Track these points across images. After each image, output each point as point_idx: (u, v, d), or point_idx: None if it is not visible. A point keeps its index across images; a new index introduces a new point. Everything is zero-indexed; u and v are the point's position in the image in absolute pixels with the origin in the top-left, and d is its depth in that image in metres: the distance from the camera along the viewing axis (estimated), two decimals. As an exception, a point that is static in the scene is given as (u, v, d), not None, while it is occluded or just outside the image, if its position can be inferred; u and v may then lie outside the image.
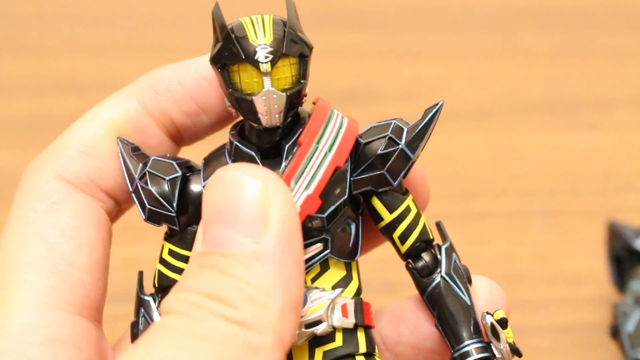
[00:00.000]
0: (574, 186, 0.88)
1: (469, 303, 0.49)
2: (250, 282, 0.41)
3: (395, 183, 0.48)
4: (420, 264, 0.49)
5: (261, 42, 0.46)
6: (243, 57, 0.46)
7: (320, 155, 0.47)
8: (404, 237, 0.49)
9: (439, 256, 0.49)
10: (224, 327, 0.40)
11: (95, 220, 0.49)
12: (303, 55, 0.47)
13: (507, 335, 0.48)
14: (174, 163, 0.50)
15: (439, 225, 0.51)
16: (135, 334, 0.49)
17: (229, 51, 0.46)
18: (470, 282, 0.50)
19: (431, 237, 0.50)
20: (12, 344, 0.45)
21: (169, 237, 0.50)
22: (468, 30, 1.10)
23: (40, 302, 0.47)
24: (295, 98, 0.47)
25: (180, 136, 0.53)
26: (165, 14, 1.13)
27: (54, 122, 0.98)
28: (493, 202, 0.85)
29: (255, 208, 0.42)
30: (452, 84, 1.02)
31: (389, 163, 0.48)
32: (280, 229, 0.42)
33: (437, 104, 0.49)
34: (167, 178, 0.49)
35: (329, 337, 0.48)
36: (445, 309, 0.49)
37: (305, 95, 0.48)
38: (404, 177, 0.49)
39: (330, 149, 0.47)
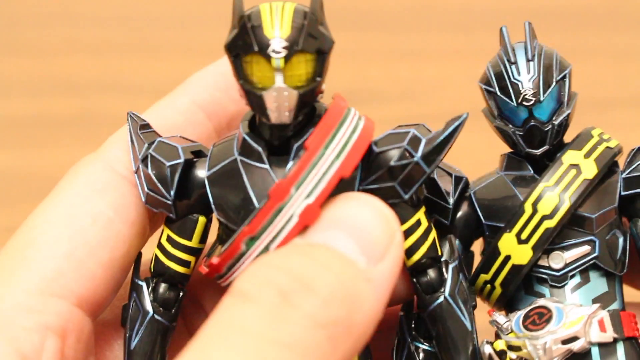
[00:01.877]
0: (574, 186, 0.88)
1: (469, 328, 0.47)
2: (349, 290, 0.40)
3: (407, 196, 0.46)
4: (424, 280, 0.48)
5: (277, 34, 0.43)
6: (256, 49, 0.43)
7: (327, 163, 0.43)
8: (410, 252, 0.47)
9: (445, 275, 0.48)
10: (308, 334, 0.38)
11: (132, 217, 0.48)
12: (321, 52, 0.44)
13: None
14: (179, 147, 0.47)
15: (451, 242, 0.49)
16: (124, 318, 0.48)
17: (243, 40, 0.43)
18: (475, 306, 0.49)
19: (439, 254, 0.48)
20: (2, 323, 0.44)
21: (169, 222, 0.48)
22: (468, 30, 1.10)
23: (43, 286, 0.46)
24: (308, 96, 0.44)
25: (231, 130, 0.52)
26: (166, 14, 1.13)
27: (54, 122, 0.98)
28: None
29: (384, 237, 0.42)
30: (452, 84, 1.01)
31: (402, 176, 0.45)
32: (394, 262, 0.42)
33: (461, 117, 0.46)
34: (168, 164, 0.47)
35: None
36: (445, 331, 0.47)
37: (322, 92, 0.45)
38: (418, 189, 0.46)
39: (338, 157, 0.43)
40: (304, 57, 0.43)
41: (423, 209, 0.48)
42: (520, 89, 0.50)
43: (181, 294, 0.48)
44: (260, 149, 0.45)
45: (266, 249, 0.43)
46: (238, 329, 0.38)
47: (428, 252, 0.47)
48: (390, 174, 0.45)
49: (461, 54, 1.07)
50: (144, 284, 0.48)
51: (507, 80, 0.51)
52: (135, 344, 0.47)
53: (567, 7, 1.12)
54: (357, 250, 0.41)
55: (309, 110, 0.45)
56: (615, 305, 0.50)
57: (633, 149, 0.53)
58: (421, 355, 0.49)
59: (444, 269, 0.48)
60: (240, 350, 0.37)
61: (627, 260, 0.51)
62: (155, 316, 0.48)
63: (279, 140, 0.45)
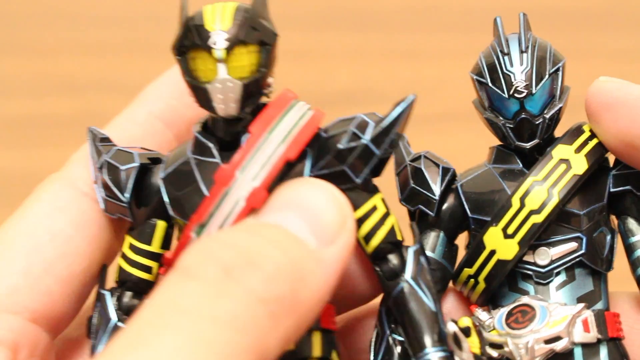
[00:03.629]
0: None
1: (433, 309, 0.46)
2: (296, 268, 0.39)
3: (359, 180, 0.46)
4: (386, 266, 0.47)
5: (217, 27, 0.44)
6: (198, 42, 0.44)
7: (272, 146, 0.44)
8: (368, 238, 0.47)
9: (406, 259, 0.47)
10: (249, 310, 0.38)
11: (93, 232, 0.49)
12: (264, 43, 0.45)
13: (471, 344, 0.46)
14: (135, 154, 0.48)
15: (412, 228, 0.49)
16: (89, 328, 0.48)
17: (186, 38, 0.45)
18: (441, 291, 0.48)
19: (400, 239, 0.48)
20: None
21: (130, 230, 0.49)
22: (468, 30, 1.10)
23: None
24: (252, 87, 0.45)
25: (191, 135, 0.52)
26: (166, 14, 1.13)
27: (54, 122, 0.98)
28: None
29: (335, 221, 0.42)
30: (452, 84, 1.01)
31: (351, 159, 0.45)
32: (345, 246, 0.42)
33: (408, 98, 0.46)
34: (122, 167, 0.48)
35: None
36: (409, 314, 0.46)
37: (269, 85, 0.46)
38: (376, 174, 0.46)
39: (283, 140, 0.44)
40: (246, 48, 0.44)
41: (380, 195, 0.47)
42: (513, 80, 0.49)
43: None
44: (211, 145, 0.46)
45: None
46: (175, 306, 0.37)
47: (387, 237, 0.47)
48: (339, 158, 0.45)
49: (461, 54, 1.07)
50: (107, 294, 0.48)
51: (500, 72, 0.50)
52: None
53: (567, 7, 1.12)
54: (308, 231, 0.41)
55: (256, 105, 0.46)
56: (599, 305, 0.49)
57: None
58: (399, 348, 0.48)
59: (405, 254, 0.47)
60: (175, 327, 0.36)
61: (613, 258, 0.50)
62: (119, 324, 0.47)
63: (230, 136, 0.46)
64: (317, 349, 0.46)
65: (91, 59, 1.06)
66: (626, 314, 0.51)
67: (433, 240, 0.52)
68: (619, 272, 0.51)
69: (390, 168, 0.49)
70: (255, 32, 0.44)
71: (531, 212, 0.49)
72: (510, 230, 0.49)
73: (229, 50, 0.44)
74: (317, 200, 0.42)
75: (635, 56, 1.05)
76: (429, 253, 0.51)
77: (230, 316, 0.37)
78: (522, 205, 0.49)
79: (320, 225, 0.41)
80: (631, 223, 0.50)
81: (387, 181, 0.50)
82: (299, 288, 0.39)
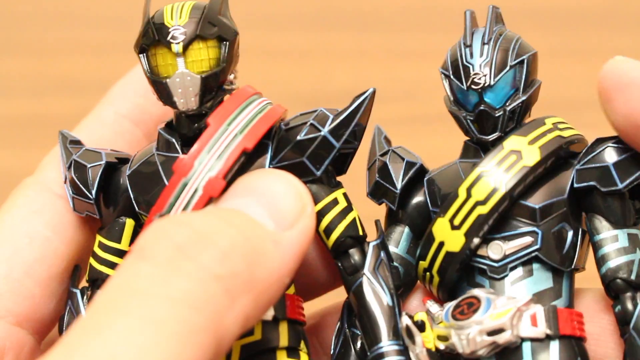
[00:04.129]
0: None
1: (390, 304, 0.46)
2: (252, 246, 0.39)
3: (319, 172, 0.47)
4: (347, 262, 0.48)
5: (175, 23, 0.45)
6: (157, 38, 0.46)
7: (229, 137, 0.45)
8: (328, 231, 0.48)
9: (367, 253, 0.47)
10: (203, 287, 0.37)
11: (70, 234, 0.50)
12: (223, 39, 0.46)
13: (425, 339, 0.46)
14: (103, 153, 0.49)
15: (376, 224, 0.49)
16: (61, 327, 0.48)
17: (147, 35, 0.46)
18: (399, 286, 0.47)
19: (361, 234, 0.48)
20: None
21: (99, 229, 0.49)
22: (468, 30, 1.10)
23: None
24: (212, 81, 0.46)
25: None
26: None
27: (54, 122, 0.98)
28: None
29: (294, 207, 0.42)
30: (452, 84, 1.01)
31: (310, 150, 0.46)
32: (304, 231, 0.41)
33: (367, 91, 0.47)
34: (89, 165, 0.48)
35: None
36: (365, 307, 0.46)
37: (231, 83, 0.47)
38: (341, 170, 0.47)
39: (241, 132, 0.45)
40: (205, 43, 0.46)
41: (342, 190, 0.48)
42: (471, 72, 0.49)
43: None
44: (174, 140, 0.47)
45: None
46: (129, 290, 0.37)
47: (346, 230, 0.47)
48: (298, 149, 0.46)
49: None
50: (77, 291, 0.48)
51: (460, 63, 0.50)
52: None
53: (566, 7, 1.12)
54: (266, 215, 0.41)
55: (217, 101, 0.46)
56: (559, 303, 0.48)
57: (592, 141, 0.50)
58: (359, 343, 0.48)
59: (366, 249, 0.47)
60: (126, 311, 0.36)
61: (576, 256, 0.49)
62: None
63: (193, 132, 0.47)
64: (284, 339, 0.47)
65: (91, 59, 1.06)
66: (596, 313, 0.50)
67: (397, 236, 0.51)
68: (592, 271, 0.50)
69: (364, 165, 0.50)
70: (213, 28, 0.45)
71: (477, 203, 0.48)
72: (456, 222, 0.48)
73: (186, 44, 0.45)
74: (275, 188, 0.42)
75: (635, 56, 1.05)
76: (392, 248, 0.51)
77: (184, 294, 0.36)
78: (469, 196, 0.48)
79: (278, 211, 0.41)
80: (597, 221, 0.49)
81: (362, 179, 0.50)
82: (255, 266, 0.39)
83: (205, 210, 0.42)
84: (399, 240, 0.51)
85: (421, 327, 0.46)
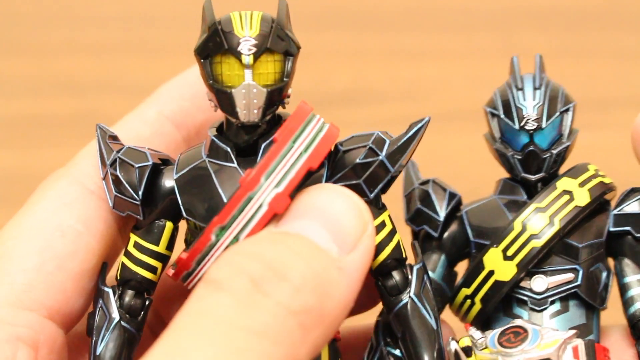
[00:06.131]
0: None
1: (434, 327, 0.47)
2: (321, 278, 0.40)
3: (372, 195, 0.47)
4: (390, 282, 0.48)
5: (246, 34, 0.45)
6: (226, 47, 0.45)
7: (295, 155, 0.44)
8: (376, 252, 0.47)
9: (409, 276, 0.48)
10: (280, 322, 0.39)
11: (101, 229, 0.49)
12: (289, 53, 0.46)
13: None
14: (147, 153, 0.49)
15: (413, 246, 0.50)
16: (90, 326, 0.48)
17: (213, 42, 0.45)
18: (441, 309, 0.48)
19: (404, 256, 0.48)
20: None
21: (135, 229, 0.49)
22: (468, 30, 1.10)
23: (14, 298, 0.46)
24: (276, 95, 0.46)
25: (200, 138, 0.52)
26: (166, 14, 1.13)
27: (54, 122, 0.98)
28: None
29: (356, 227, 0.42)
30: (452, 84, 1.02)
31: (367, 174, 0.47)
32: (366, 252, 0.42)
33: (423, 120, 0.48)
34: (137, 165, 0.48)
35: None
36: (410, 330, 0.47)
37: (288, 96, 0.47)
38: (383, 191, 0.48)
39: (306, 150, 0.45)
40: (272, 56, 0.46)
41: (387, 212, 0.48)
42: (524, 113, 0.51)
43: (147, 302, 0.48)
44: (228, 148, 0.47)
45: (235, 239, 0.43)
46: (210, 317, 0.38)
47: (392, 253, 0.48)
48: (356, 172, 0.47)
49: (461, 54, 1.07)
50: (110, 290, 0.48)
51: (512, 104, 0.52)
52: (100, 350, 0.47)
53: (567, 7, 1.12)
54: (329, 239, 0.41)
55: (274, 114, 0.47)
56: (591, 338, 0.50)
57: (627, 190, 0.53)
58: None
59: (408, 271, 0.48)
60: (210, 338, 0.37)
61: (607, 296, 0.52)
62: (122, 322, 0.48)
63: (246, 142, 0.47)
64: (325, 356, 0.47)
65: (91, 59, 1.06)
66: (617, 343, 0.53)
67: (434, 262, 0.53)
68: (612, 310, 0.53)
69: (393, 189, 0.50)
70: (281, 42, 0.45)
71: (532, 237, 0.50)
72: (510, 252, 0.50)
73: (256, 57, 0.45)
74: (337, 207, 0.42)
75: (635, 56, 1.05)
76: (429, 273, 0.51)
77: (264, 328, 0.38)
78: (524, 229, 0.50)
79: (341, 232, 0.42)
80: (627, 264, 0.52)
81: (390, 201, 0.51)
82: (324, 298, 0.40)
83: (272, 237, 0.42)
84: (436, 266, 0.53)
85: (468, 352, 0.48)
